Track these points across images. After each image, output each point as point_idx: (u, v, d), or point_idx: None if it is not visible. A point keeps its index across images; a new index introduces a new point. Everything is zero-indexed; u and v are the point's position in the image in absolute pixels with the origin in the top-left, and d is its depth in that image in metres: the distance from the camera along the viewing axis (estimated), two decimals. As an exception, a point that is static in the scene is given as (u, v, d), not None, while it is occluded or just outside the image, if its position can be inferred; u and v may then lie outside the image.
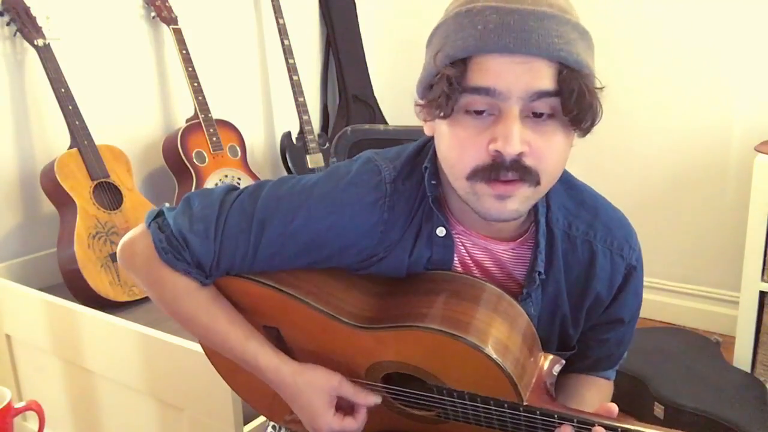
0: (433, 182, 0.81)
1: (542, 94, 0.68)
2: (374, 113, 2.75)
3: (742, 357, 1.95)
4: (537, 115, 0.69)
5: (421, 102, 0.74)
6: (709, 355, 1.99)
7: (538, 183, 0.72)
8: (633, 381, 1.85)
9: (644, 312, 2.80)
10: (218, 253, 0.83)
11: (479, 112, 0.70)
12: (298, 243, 0.82)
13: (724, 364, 1.94)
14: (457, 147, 0.72)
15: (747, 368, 1.94)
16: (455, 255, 0.84)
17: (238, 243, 0.83)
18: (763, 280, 1.87)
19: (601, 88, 0.71)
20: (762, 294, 1.89)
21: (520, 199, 0.72)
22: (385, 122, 2.77)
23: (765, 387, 1.82)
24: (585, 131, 0.73)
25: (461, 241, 0.84)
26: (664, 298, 2.43)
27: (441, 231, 0.81)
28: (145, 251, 0.85)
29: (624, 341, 0.93)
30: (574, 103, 0.68)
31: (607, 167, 2.42)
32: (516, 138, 0.68)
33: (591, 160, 2.36)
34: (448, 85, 0.68)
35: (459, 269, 0.85)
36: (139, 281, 0.89)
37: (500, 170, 0.69)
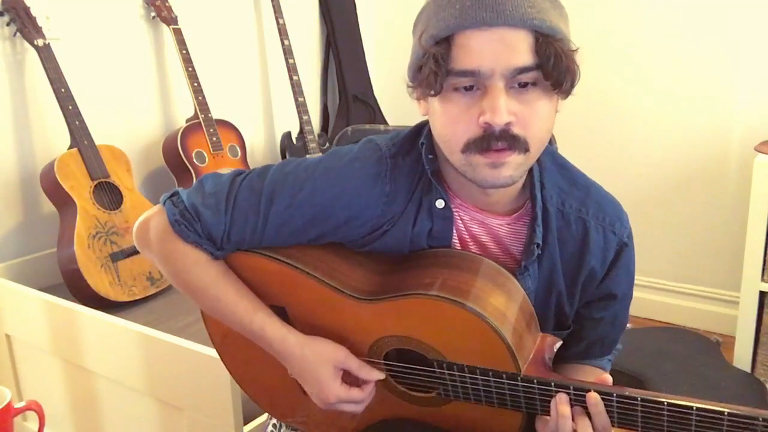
0: (430, 156, 0.86)
1: (523, 70, 0.73)
2: (374, 113, 2.76)
3: (742, 357, 1.95)
4: (521, 85, 0.74)
5: (413, 84, 0.80)
6: (709, 355, 1.99)
7: (527, 150, 0.76)
8: (633, 381, 1.85)
9: (644, 312, 2.79)
10: (229, 225, 0.87)
11: (467, 88, 0.75)
12: (304, 214, 0.86)
13: (724, 364, 1.94)
14: (449, 123, 0.77)
15: (747, 368, 1.94)
16: (454, 229, 0.87)
17: (248, 216, 0.87)
18: (763, 280, 1.87)
19: (576, 50, 0.76)
20: (762, 294, 1.89)
21: (513, 166, 0.76)
22: (385, 122, 2.77)
23: (765, 387, 1.82)
24: (566, 93, 0.77)
25: (459, 215, 0.87)
26: (664, 298, 2.43)
27: (440, 203, 0.86)
28: (159, 226, 0.89)
29: (617, 322, 0.95)
30: (552, 67, 0.73)
31: (608, 167, 2.42)
32: (503, 109, 0.73)
33: (591, 160, 2.37)
34: (435, 64, 0.74)
35: (457, 244, 0.88)
36: (152, 256, 0.93)
37: (491, 140, 0.74)
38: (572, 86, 0.76)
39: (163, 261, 0.92)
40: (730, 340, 2.04)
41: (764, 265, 1.86)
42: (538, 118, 0.76)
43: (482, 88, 0.74)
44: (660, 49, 2.29)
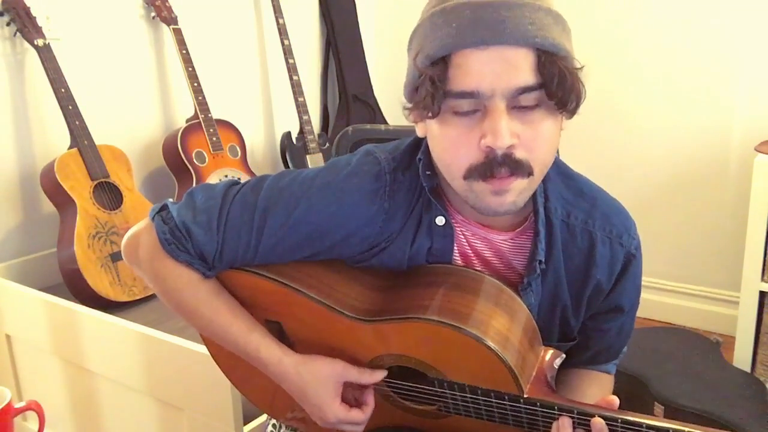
0: (428, 173, 0.82)
1: (525, 90, 0.69)
2: (374, 113, 2.75)
3: (742, 357, 1.95)
4: (523, 107, 0.71)
5: (409, 105, 0.76)
6: (709, 355, 1.99)
7: (530, 174, 0.73)
8: (633, 381, 1.84)
9: (644, 312, 2.79)
10: (221, 244, 0.84)
11: (466, 112, 0.71)
12: (300, 233, 0.83)
13: (724, 364, 1.94)
14: (450, 147, 0.74)
15: (747, 368, 1.94)
16: (455, 245, 0.84)
17: (241, 234, 0.84)
18: (763, 280, 1.87)
19: (580, 68, 0.72)
20: (762, 294, 1.88)
21: (516, 192, 0.74)
22: (385, 122, 2.77)
23: (765, 387, 1.82)
24: (571, 113, 0.74)
25: (461, 231, 0.85)
26: (664, 298, 2.43)
27: (440, 220, 0.83)
28: (148, 243, 0.86)
29: (623, 332, 0.93)
30: (556, 87, 0.69)
31: (608, 167, 2.42)
32: (505, 132, 0.69)
33: (591, 160, 2.37)
34: (431, 85, 0.70)
35: (459, 260, 0.85)
36: (142, 274, 0.90)
37: (494, 167, 0.71)
38: (578, 106, 0.73)
39: (153, 279, 0.89)
40: (730, 340, 2.04)
41: (764, 265, 1.86)
42: (543, 139, 0.72)
43: (482, 110, 0.70)
44: (660, 49, 2.29)
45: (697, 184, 2.30)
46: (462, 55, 0.69)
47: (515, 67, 0.68)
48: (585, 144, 2.43)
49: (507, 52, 0.68)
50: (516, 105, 0.70)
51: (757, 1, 2.09)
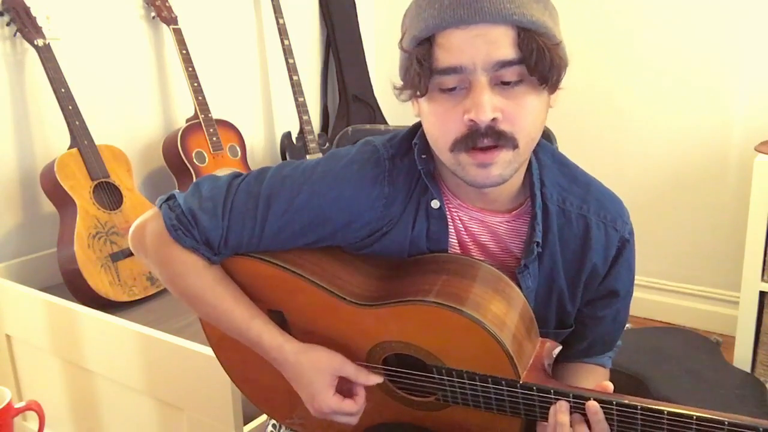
0: (423, 156, 0.85)
1: (505, 64, 0.72)
2: (374, 113, 2.75)
3: (742, 357, 1.95)
4: (506, 83, 0.73)
5: (400, 86, 0.79)
6: (709, 355, 1.99)
7: (516, 146, 0.75)
8: (633, 381, 1.85)
9: (644, 312, 2.78)
10: (226, 230, 0.86)
11: (452, 89, 0.74)
12: (302, 218, 0.85)
13: (724, 364, 1.94)
14: (437, 123, 0.77)
15: (747, 368, 1.94)
16: (452, 229, 0.86)
17: (246, 220, 0.86)
18: (763, 280, 1.87)
19: (558, 43, 0.74)
20: (762, 294, 1.89)
21: (502, 164, 0.75)
22: (385, 122, 2.77)
23: (765, 387, 1.82)
24: (554, 87, 0.76)
25: (457, 215, 0.87)
26: (664, 298, 2.43)
27: (435, 203, 0.85)
28: (155, 231, 0.88)
29: (618, 319, 0.94)
30: (536, 62, 0.72)
31: (608, 167, 2.42)
32: (487, 106, 0.72)
33: (591, 159, 2.36)
34: (418, 65, 0.74)
35: (455, 243, 0.87)
36: (148, 261, 0.92)
37: (476, 137, 0.74)
38: (559, 80, 0.76)
39: (159, 266, 0.90)
40: (730, 340, 2.04)
41: (764, 265, 1.86)
42: (527, 113, 0.74)
43: (467, 87, 0.73)
44: (660, 48, 2.29)
45: (697, 184, 2.30)
46: (444, 35, 0.72)
47: (495, 43, 0.71)
48: (585, 144, 2.43)
49: (486, 30, 0.71)
50: (499, 81, 0.73)
51: (757, 1, 2.10)
